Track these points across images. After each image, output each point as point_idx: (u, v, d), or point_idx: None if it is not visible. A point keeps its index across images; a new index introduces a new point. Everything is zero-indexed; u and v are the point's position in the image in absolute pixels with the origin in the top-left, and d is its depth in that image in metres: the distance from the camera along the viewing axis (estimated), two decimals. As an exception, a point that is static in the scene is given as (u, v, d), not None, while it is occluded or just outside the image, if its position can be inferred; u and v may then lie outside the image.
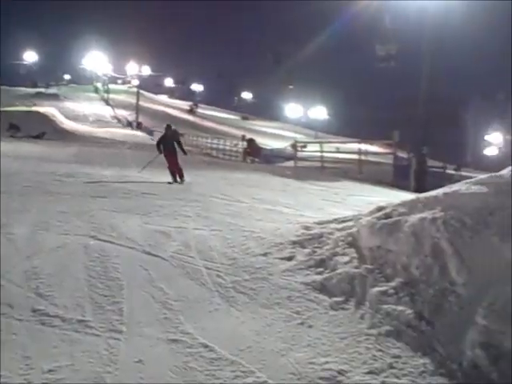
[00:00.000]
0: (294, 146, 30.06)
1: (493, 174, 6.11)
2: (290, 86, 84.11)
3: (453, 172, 27.81)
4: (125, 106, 68.70)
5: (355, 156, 26.19)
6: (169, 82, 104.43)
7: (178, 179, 15.44)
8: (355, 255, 6.12)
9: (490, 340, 4.03)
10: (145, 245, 7.26)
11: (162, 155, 16.02)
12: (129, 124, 58.08)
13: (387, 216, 6.37)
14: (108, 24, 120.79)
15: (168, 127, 17.03)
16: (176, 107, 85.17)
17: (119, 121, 60.55)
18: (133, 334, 4.78)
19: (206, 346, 4.56)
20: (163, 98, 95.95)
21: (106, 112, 64.76)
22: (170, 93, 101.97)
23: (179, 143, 16.53)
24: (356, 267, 5.81)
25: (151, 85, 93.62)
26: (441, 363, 4.10)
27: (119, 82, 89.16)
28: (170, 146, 16.08)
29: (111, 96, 73.66)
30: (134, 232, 7.88)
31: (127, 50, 79.05)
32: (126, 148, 30.20)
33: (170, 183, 14.97)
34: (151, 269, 6.39)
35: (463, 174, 26.66)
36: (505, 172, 5.83)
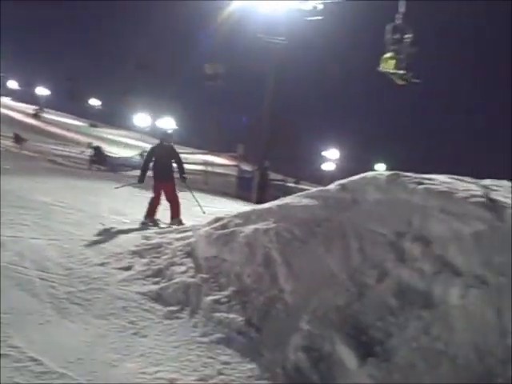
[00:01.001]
0: (142, 155, 29.80)
1: (321, 188, 6.51)
2: (129, 97, 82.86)
3: (292, 185, 28.97)
4: (-40, 107, 64.01)
5: (202, 167, 26.56)
6: (12, 84, 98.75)
7: (169, 219, 10.46)
8: (192, 265, 6.21)
9: (312, 344, 4.29)
10: (-26, 256, 6.83)
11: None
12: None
13: (224, 227, 6.57)
14: None
15: (166, 136, 11.25)
16: (20, 111, 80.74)
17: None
18: (-46, 351, 4.49)
19: (35, 360, 4.38)
20: (6, 100, 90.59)
21: None
22: (14, 95, 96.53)
23: (180, 163, 11.14)
24: (192, 277, 5.90)
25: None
26: (266, 367, 4.29)
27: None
28: (164, 167, 10.86)
29: None
30: (-38, 243, 7.37)
31: (-35, 49, 73.76)
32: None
33: (144, 224, 9.80)
34: (-21, 281, 6.03)
35: (301, 187, 27.89)
36: (332, 186, 6.24)
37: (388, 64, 15.56)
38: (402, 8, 15.16)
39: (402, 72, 15.50)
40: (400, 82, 15.90)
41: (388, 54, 15.60)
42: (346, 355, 4.08)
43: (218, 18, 26.19)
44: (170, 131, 11.50)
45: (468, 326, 4.03)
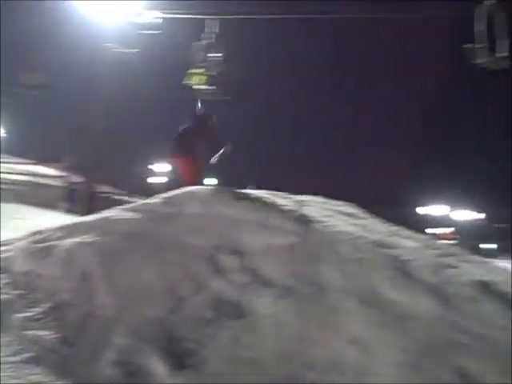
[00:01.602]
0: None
1: (145, 202, 6.54)
2: None
3: (121, 197, 28.46)
4: None
5: (29, 178, 25.40)
6: None
7: None
8: (8, 281, 5.90)
9: (125, 358, 4.27)
10: None
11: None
12: None
13: (44, 240, 6.32)
14: None
15: (206, 118, 8.91)
16: None
17: None
18: None
19: None
20: None
21: None
22: None
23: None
24: (6, 293, 5.60)
25: None
26: (78, 384, 4.20)
27: None
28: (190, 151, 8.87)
29: None
30: None
31: None
32: None
33: None
34: None
35: (132, 199, 27.62)
36: (156, 200, 6.29)
37: (193, 79, 16.14)
38: (212, 28, 15.89)
39: (210, 88, 16.12)
40: (205, 98, 16.49)
41: (195, 70, 16.16)
42: (160, 368, 4.11)
43: (51, 24, 25.28)
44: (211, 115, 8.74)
45: (277, 334, 4.25)
